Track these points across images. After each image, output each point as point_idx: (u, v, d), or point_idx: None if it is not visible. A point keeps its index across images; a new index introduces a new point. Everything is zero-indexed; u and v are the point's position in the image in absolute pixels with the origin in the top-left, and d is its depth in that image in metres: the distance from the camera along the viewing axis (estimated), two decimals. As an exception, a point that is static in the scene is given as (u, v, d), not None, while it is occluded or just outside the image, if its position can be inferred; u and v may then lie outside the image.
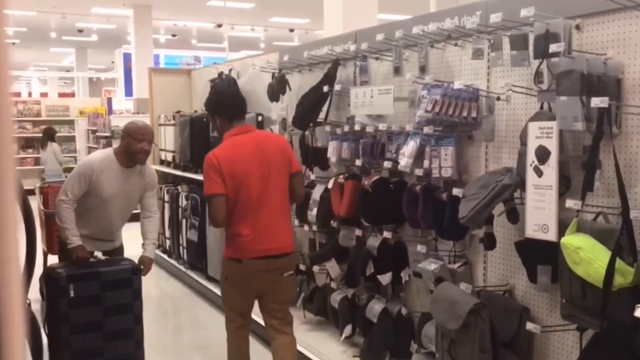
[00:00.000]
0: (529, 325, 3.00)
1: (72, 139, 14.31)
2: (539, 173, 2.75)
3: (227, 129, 3.58)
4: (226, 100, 3.69)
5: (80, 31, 17.52)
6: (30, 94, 25.97)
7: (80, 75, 21.83)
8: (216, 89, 4.35)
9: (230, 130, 3.56)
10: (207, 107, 3.77)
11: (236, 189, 3.42)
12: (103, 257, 4.04)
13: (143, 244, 4.16)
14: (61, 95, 24.53)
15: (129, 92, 14.83)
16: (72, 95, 23.73)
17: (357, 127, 4.20)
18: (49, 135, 11.24)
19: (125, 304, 3.92)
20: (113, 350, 3.87)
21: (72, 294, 3.73)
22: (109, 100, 14.24)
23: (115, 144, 10.57)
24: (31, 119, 13.96)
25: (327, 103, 4.61)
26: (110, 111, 13.19)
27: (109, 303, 3.85)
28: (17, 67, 25.27)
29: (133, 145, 3.94)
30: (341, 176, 4.30)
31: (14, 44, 19.27)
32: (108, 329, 3.85)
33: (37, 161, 12.75)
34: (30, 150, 13.77)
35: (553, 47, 2.74)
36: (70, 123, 14.49)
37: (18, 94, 27.02)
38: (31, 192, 6.94)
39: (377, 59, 4.25)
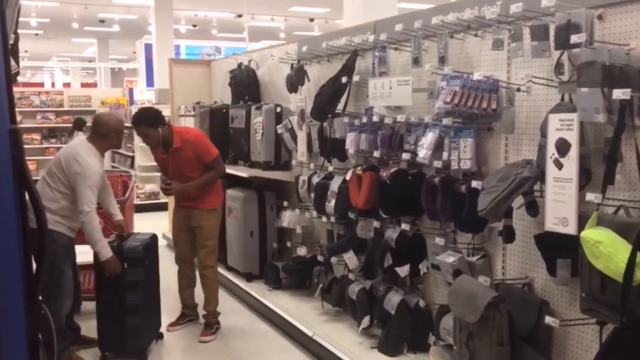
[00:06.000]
0: (548, 319, 2.97)
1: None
2: (559, 166, 2.71)
3: (165, 130, 4.68)
4: (158, 113, 4.76)
5: (102, 22, 17.63)
6: (53, 84, 26.30)
7: (102, 65, 21.97)
8: (139, 109, 5.05)
9: (167, 127, 4.72)
10: (152, 123, 4.62)
11: None
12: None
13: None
14: (83, 85, 24.81)
15: (150, 82, 14.87)
16: (95, 85, 23.97)
17: (375, 118, 4.18)
18: (77, 125, 11.54)
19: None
20: None
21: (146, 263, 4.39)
22: (131, 91, 14.28)
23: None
24: (54, 109, 14.05)
25: (345, 94, 4.59)
26: (131, 101, 13.25)
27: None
28: (41, 58, 25.55)
29: (120, 142, 4.41)
30: (359, 167, 4.29)
31: (37, 34, 19.47)
32: None
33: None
34: (53, 140, 13.89)
35: (574, 38, 2.70)
36: (92, 113, 14.56)
37: (41, 84, 27.43)
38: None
39: (396, 49, 4.22)
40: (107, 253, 4.15)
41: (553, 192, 2.76)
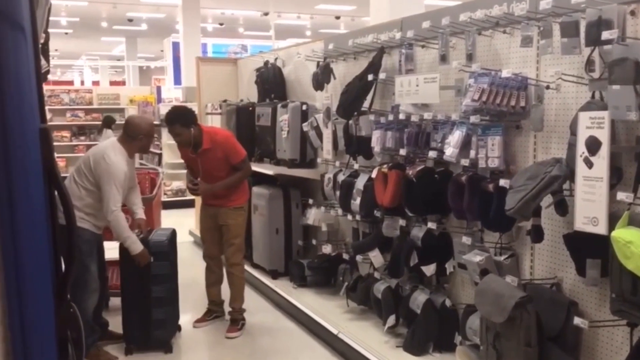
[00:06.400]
0: (577, 320, 2.93)
1: (122, 127, 14.51)
2: (589, 164, 2.67)
3: (196, 129, 4.70)
4: (192, 112, 4.81)
5: (130, 20, 17.85)
6: (82, 83, 26.66)
7: (131, 64, 22.25)
8: (173, 107, 5.06)
9: (197, 127, 4.73)
10: (185, 122, 4.65)
11: None
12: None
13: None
14: (112, 83, 25.10)
15: (177, 80, 14.98)
16: (123, 83, 24.23)
17: (401, 116, 4.15)
18: (106, 122, 11.75)
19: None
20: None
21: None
22: (158, 89, 14.40)
23: (165, 131, 10.81)
24: (83, 107, 14.25)
25: (371, 92, 4.57)
26: (159, 99, 13.37)
27: None
28: (70, 56, 25.93)
29: (149, 145, 4.55)
30: (385, 165, 4.27)
31: (66, 33, 19.75)
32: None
33: (89, 148, 13.03)
34: (82, 138, 14.08)
35: (606, 34, 2.65)
36: (121, 111, 14.75)
37: (71, 83, 27.83)
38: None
39: (423, 46, 4.19)
40: (137, 247, 4.27)
41: (583, 191, 2.71)
